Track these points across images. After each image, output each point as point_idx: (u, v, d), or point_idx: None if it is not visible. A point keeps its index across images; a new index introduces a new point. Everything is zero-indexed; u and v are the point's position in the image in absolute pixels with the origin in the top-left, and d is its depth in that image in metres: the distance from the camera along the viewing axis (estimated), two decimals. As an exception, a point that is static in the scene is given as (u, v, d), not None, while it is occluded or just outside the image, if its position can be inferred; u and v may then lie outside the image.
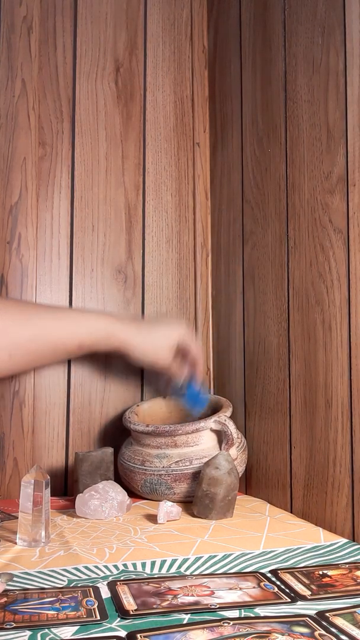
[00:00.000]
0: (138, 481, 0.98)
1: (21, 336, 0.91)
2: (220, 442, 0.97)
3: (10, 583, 0.62)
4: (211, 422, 0.96)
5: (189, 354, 1.03)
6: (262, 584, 0.62)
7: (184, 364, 1.04)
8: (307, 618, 0.53)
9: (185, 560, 0.70)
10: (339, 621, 0.53)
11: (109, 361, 1.13)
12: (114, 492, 0.90)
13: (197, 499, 0.89)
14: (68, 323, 0.97)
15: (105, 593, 0.60)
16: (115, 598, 0.58)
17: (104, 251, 1.16)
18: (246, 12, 1.11)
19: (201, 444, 0.96)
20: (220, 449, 0.95)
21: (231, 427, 0.96)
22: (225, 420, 0.96)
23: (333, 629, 0.51)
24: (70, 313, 1.02)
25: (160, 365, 1.01)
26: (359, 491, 0.80)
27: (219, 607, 0.56)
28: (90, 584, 0.62)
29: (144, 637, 0.50)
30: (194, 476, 0.94)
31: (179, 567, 0.68)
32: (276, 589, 0.61)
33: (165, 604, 0.57)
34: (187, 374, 1.04)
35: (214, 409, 1.04)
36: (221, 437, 0.97)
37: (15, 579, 0.64)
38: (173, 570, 0.67)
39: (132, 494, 0.98)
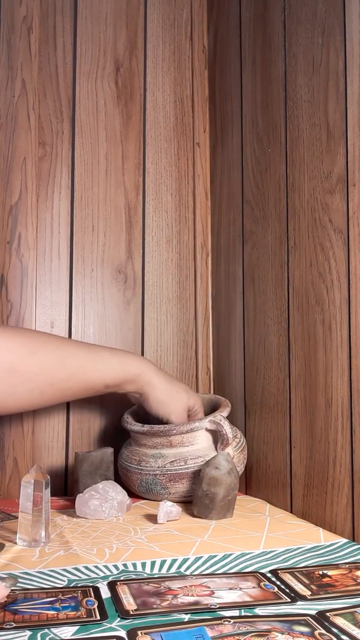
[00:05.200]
0: (135, 481, 0.98)
1: (55, 377, 0.91)
2: (216, 442, 0.97)
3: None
4: (206, 422, 0.96)
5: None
6: (262, 584, 0.62)
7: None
8: (307, 617, 0.53)
9: (185, 560, 0.70)
10: (340, 621, 0.53)
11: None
12: (114, 492, 0.90)
13: (197, 499, 0.89)
14: (99, 364, 0.95)
15: (105, 593, 0.60)
16: (115, 598, 0.58)
17: (104, 251, 1.16)
18: (246, 12, 1.11)
19: (197, 444, 0.96)
20: (216, 449, 0.95)
21: (226, 427, 0.95)
22: (220, 420, 0.95)
23: (334, 629, 0.51)
24: (101, 352, 0.98)
25: (171, 421, 0.99)
26: (359, 491, 0.80)
27: (219, 607, 0.56)
28: (90, 584, 0.62)
29: (145, 633, 0.50)
30: (189, 476, 0.94)
31: (179, 567, 0.68)
32: (276, 589, 0.61)
33: (165, 604, 0.56)
34: None
35: (213, 408, 1.03)
36: (217, 436, 0.96)
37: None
38: (173, 570, 0.67)
39: (131, 493, 0.98)
